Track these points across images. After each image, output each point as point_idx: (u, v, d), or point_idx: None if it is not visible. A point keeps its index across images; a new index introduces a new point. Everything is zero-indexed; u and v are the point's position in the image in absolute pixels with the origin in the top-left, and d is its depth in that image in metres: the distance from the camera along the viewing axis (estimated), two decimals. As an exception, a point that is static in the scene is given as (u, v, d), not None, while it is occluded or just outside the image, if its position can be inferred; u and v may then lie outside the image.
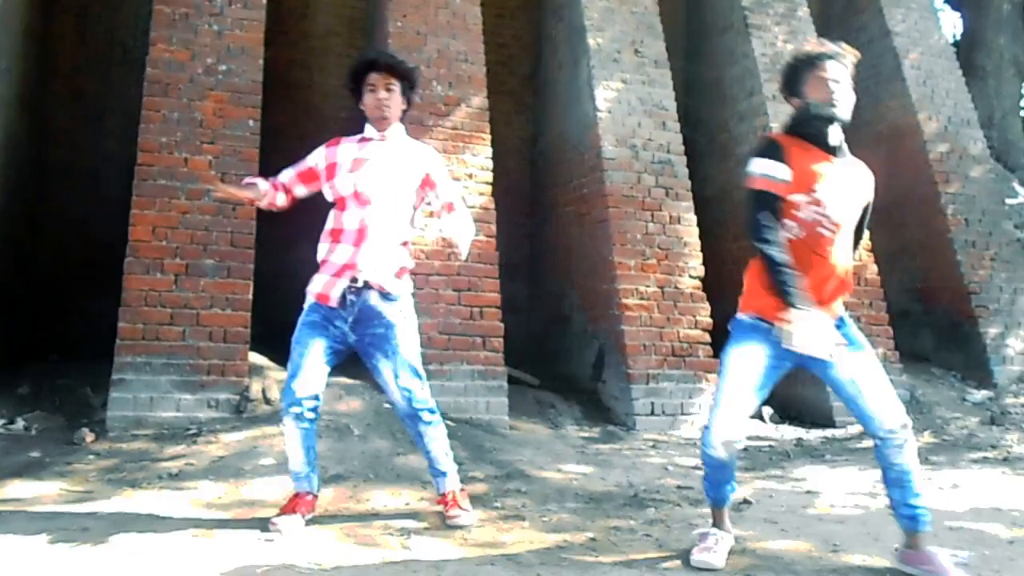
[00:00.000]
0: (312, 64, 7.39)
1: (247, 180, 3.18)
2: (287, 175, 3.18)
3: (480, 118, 5.87)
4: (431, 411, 3.11)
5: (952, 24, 16.10)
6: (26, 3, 5.81)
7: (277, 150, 6.46)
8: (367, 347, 3.03)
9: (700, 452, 2.80)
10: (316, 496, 3.16)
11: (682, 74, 7.63)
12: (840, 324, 2.74)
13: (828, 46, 2.77)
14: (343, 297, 2.98)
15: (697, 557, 2.75)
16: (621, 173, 6.08)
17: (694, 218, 6.16)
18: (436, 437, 3.14)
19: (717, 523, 2.92)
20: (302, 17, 7.40)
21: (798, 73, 2.76)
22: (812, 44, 2.82)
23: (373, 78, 3.05)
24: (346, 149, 3.12)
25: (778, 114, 6.69)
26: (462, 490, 3.28)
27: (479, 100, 5.93)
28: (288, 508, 3.05)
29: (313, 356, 2.97)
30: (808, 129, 2.72)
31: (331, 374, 5.16)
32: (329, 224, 3.10)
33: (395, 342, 3.02)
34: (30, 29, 6.01)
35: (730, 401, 2.66)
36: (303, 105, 7.27)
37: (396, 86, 3.07)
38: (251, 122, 5.12)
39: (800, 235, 2.67)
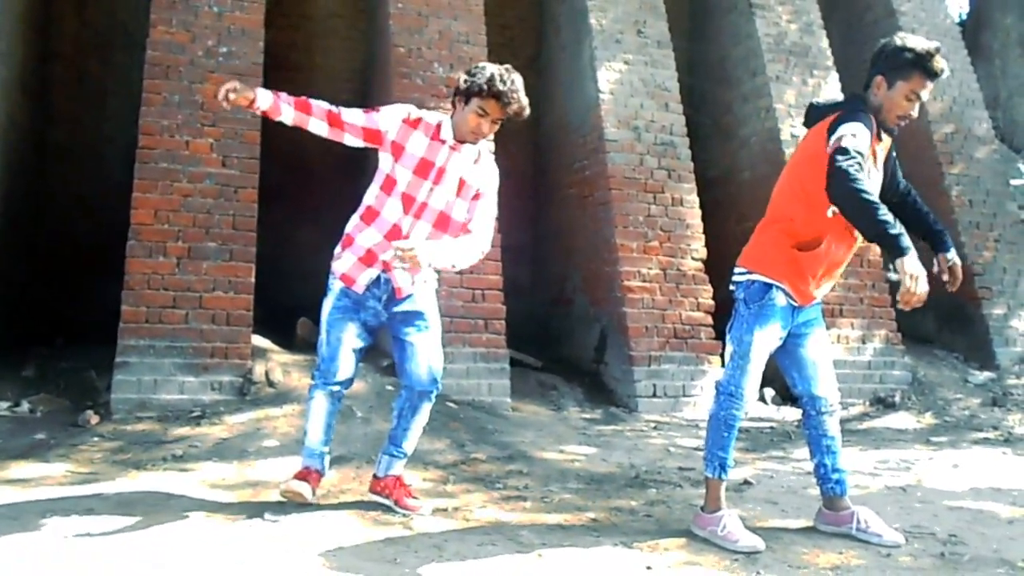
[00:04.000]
0: (314, 46, 7.35)
1: (260, 91, 2.87)
2: (352, 114, 2.95)
3: (482, 100, 5.84)
4: (437, 391, 3.14)
5: (958, 4, 15.95)
6: (26, -15, 5.79)
7: (278, 133, 6.45)
8: (398, 323, 3.03)
9: (728, 415, 2.83)
10: (322, 476, 3.16)
11: (685, 54, 7.57)
12: (818, 301, 2.96)
13: (942, 61, 2.73)
14: (373, 280, 2.97)
15: (746, 543, 2.73)
16: (623, 155, 6.06)
17: (696, 200, 6.15)
18: (425, 416, 3.16)
19: (722, 501, 2.90)
20: (303, -2, 7.36)
21: (906, 66, 2.72)
22: (937, 53, 2.73)
23: (491, 107, 2.85)
24: (418, 139, 2.94)
25: (782, 95, 6.65)
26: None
27: (481, 82, 5.89)
28: (300, 476, 3.04)
29: (347, 341, 2.99)
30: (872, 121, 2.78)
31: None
32: (369, 199, 2.99)
33: (427, 319, 3.05)
34: (30, 12, 5.99)
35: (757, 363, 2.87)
36: (305, 88, 7.16)
37: (501, 122, 2.94)
38: (252, 105, 5.10)
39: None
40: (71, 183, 6.46)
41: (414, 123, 2.96)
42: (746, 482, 3.75)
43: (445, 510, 3.13)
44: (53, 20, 6.59)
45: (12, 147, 5.66)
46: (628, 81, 6.29)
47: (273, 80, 6.00)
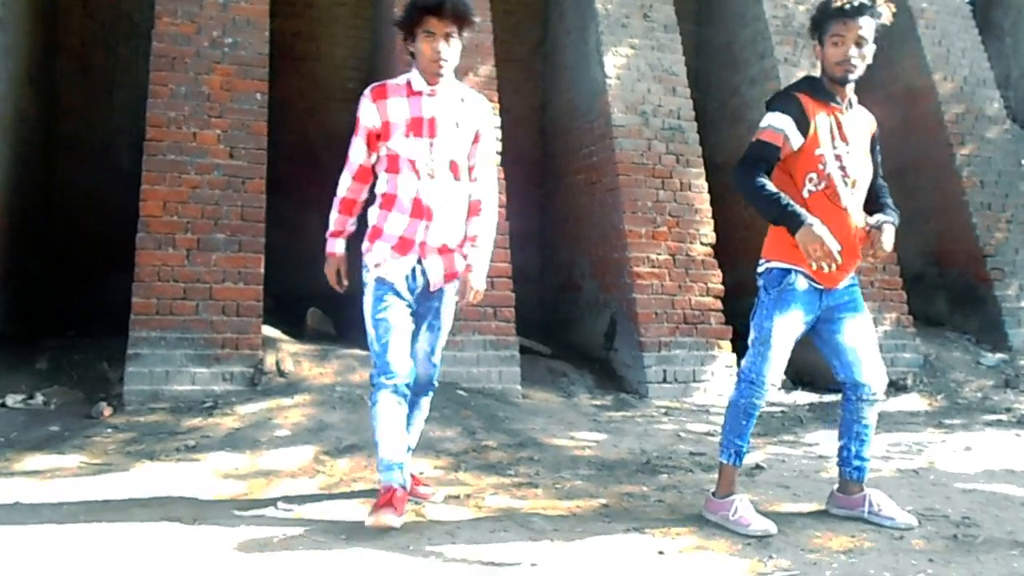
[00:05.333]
0: (319, 35, 7.33)
1: (339, 247, 2.98)
2: (357, 152, 2.93)
3: (488, 87, 5.82)
4: (433, 390, 3.12)
5: (969, -19, 15.74)
6: (30, -22, 5.79)
7: (285, 123, 6.44)
8: (416, 316, 2.96)
9: (748, 403, 2.85)
10: (407, 491, 2.83)
11: (692, 37, 7.52)
12: (852, 283, 2.94)
13: None
14: (410, 271, 2.89)
15: (758, 527, 2.72)
16: (631, 140, 6.03)
17: (705, 185, 6.11)
18: (425, 410, 3.14)
19: (735, 486, 2.91)
20: (307, -13, 7.33)
21: (821, 21, 2.80)
22: None
23: (432, 24, 2.74)
24: (397, 105, 2.84)
25: (790, 77, 6.59)
26: None
27: (487, 69, 5.87)
28: (384, 502, 2.68)
29: (400, 329, 2.83)
30: (821, 88, 2.84)
31: (348, 346, 5.20)
32: (380, 187, 2.93)
33: (443, 319, 3.01)
34: (35, 4, 5.99)
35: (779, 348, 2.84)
36: (310, 77, 7.23)
37: (456, 35, 2.79)
38: (258, 95, 5.10)
39: (820, 188, 2.77)
40: (79, 175, 6.48)
41: (381, 93, 2.88)
42: (758, 466, 3.75)
43: (457, 497, 3.14)
44: (58, 12, 6.60)
45: (21, 140, 5.68)
46: (635, 66, 6.25)
47: (279, 69, 6.01)
